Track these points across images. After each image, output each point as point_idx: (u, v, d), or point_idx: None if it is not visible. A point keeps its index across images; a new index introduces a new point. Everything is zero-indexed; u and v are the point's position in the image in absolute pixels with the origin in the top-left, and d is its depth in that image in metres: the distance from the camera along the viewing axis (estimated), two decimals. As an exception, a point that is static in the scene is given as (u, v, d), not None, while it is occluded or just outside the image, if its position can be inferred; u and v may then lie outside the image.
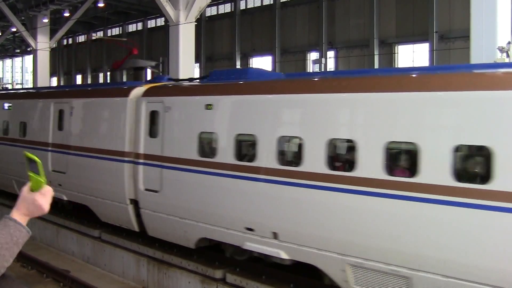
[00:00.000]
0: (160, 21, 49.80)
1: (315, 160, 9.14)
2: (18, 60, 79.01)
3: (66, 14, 39.03)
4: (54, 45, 44.07)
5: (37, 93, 19.74)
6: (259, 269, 11.11)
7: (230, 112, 11.12)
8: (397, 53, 33.80)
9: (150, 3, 34.82)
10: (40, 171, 2.58)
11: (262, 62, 42.25)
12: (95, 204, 14.47)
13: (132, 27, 55.51)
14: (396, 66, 32.56)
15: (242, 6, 43.68)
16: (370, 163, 8.43)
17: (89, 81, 60.90)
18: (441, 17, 30.69)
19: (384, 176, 8.24)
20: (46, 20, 38.82)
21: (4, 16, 39.83)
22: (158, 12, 33.31)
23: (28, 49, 57.22)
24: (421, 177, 7.84)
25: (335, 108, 9.21)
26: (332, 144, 9.18)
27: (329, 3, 36.76)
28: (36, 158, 2.57)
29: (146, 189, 12.49)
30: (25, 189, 2.65)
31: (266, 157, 9.92)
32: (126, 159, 12.92)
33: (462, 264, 7.50)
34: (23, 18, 39.64)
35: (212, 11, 45.61)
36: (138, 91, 13.24)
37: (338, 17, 36.46)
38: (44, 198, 2.64)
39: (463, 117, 7.65)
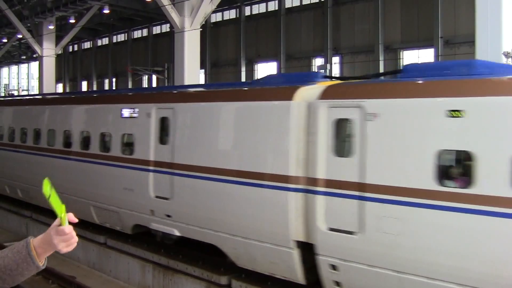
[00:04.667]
0: (165, 27, 49.92)
1: None
2: (24, 66, 79.38)
3: (72, 21, 39.16)
4: (60, 52, 44.20)
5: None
6: (264, 275, 11.09)
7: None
8: (402, 58, 33.78)
9: (155, 10, 34.97)
10: (55, 207, 2.44)
11: (267, 68, 42.29)
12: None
13: (137, 33, 55.69)
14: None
15: (247, 12, 43.78)
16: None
17: (94, 88, 61.08)
18: (446, 22, 30.67)
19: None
20: (51, 27, 38.95)
21: (10, 23, 39.98)
22: (163, 18, 33.47)
23: (34, 56, 57.46)
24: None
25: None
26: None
27: (334, 9, 36.80)
28: (47, 190, 2.44)
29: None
30: (57, 220, 2.51)
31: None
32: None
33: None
34: (29, 25, 39.79)
35: (217, 17, 45.71)
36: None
37: (343, 22, 36.49)
38: (58, 238, 2.49)
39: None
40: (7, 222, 19.66)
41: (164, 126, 12.71)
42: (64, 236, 2.48)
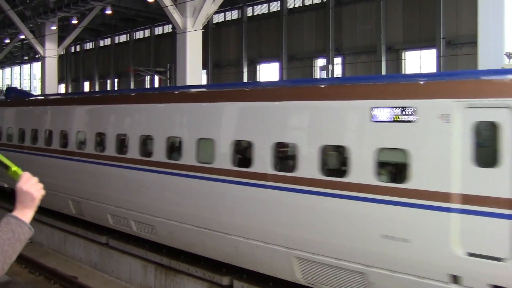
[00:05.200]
0: (168, 28, 49.96)
1: None
2: (26, 67, 79.44)
3: (74, 22, 39.19)
4: (62, 52, 44.25)
5: None
6: (266, 276, 11.08)
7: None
8: (404, 59, 33.73)
9: (157, 10, 34.99)
10: (5, 162, 2.73)
11: (269, 69, 42.28)
12: None
13: (139, 34, 55.69)
14: (403, 72, 32.50)
15: (249, 13, 43.75)
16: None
17: (96, 88, 61.10)
18: (448, 23, 30.63)
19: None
20: (54, 28, 39.01)
21: (12, 23, 40.05)
22: (165, 19, 33.47)
23: (36, 56, 57.58)
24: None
25: None
26: None
27: (336, 9, 36.76)
28: None
29: None
30: (17, 186, 2.71)
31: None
32: None
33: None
34: (31, 25, 39.84)
35: (219, 18, 45.70)
36: None
37: (345, 23, 36.45)
38: (26, 184, 2.69)
39: None
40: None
41: (486, 136, 7.84)
42: (30, 180, 2.71)
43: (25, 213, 2.68)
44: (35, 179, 2.71)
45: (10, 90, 24.56)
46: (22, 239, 2.61)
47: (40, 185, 2.71)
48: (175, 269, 12.70)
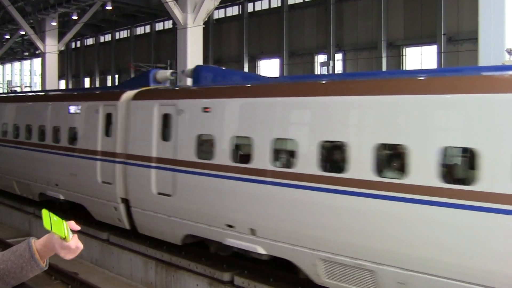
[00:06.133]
0: (168, 24, 49.93)
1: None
2: (26, 63, 79.42)
3: (75, 17, 39.14)
4: (63, 48, 44.22)
5: None
6: (267, 271, 11.11)
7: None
8: (405, 55, 33.72)
9: (158, 6, 34.91)
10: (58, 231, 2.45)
11: (270, 65, 42.28)
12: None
13: (140, 30, 55.67)
14: (404, 69, 32.50)
15: (250, 8, 43.72)
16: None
17: (97, 84, 61.05)
18: (449, 19, 30.60)
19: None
20: (54, 23, 38.96)
21: (12, 19, 40.01)
22: (166, 15, 33.44)
23: (37, 52, 57.46)
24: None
25: None
26: None
27: (337, 5, 36.73)
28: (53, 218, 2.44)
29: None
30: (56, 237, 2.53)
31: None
32: None
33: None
34: (31, 21, 39.81)
35: (220, 14, 45.68)
36: None
37: (346, 19, 36.43)
38: (63, 251, 2.49)
39: None
40: (10, 218, 19.70)
41: None
42: (76, 250, 2.52)
43: (46, 252, 2.54)
44: (75, 248, 2.51)
45: (205, 69, 14.92)
46: (29, 276, 2.51)
47: (75, 252, 2.52)
48: (175, 265, 12.72)
